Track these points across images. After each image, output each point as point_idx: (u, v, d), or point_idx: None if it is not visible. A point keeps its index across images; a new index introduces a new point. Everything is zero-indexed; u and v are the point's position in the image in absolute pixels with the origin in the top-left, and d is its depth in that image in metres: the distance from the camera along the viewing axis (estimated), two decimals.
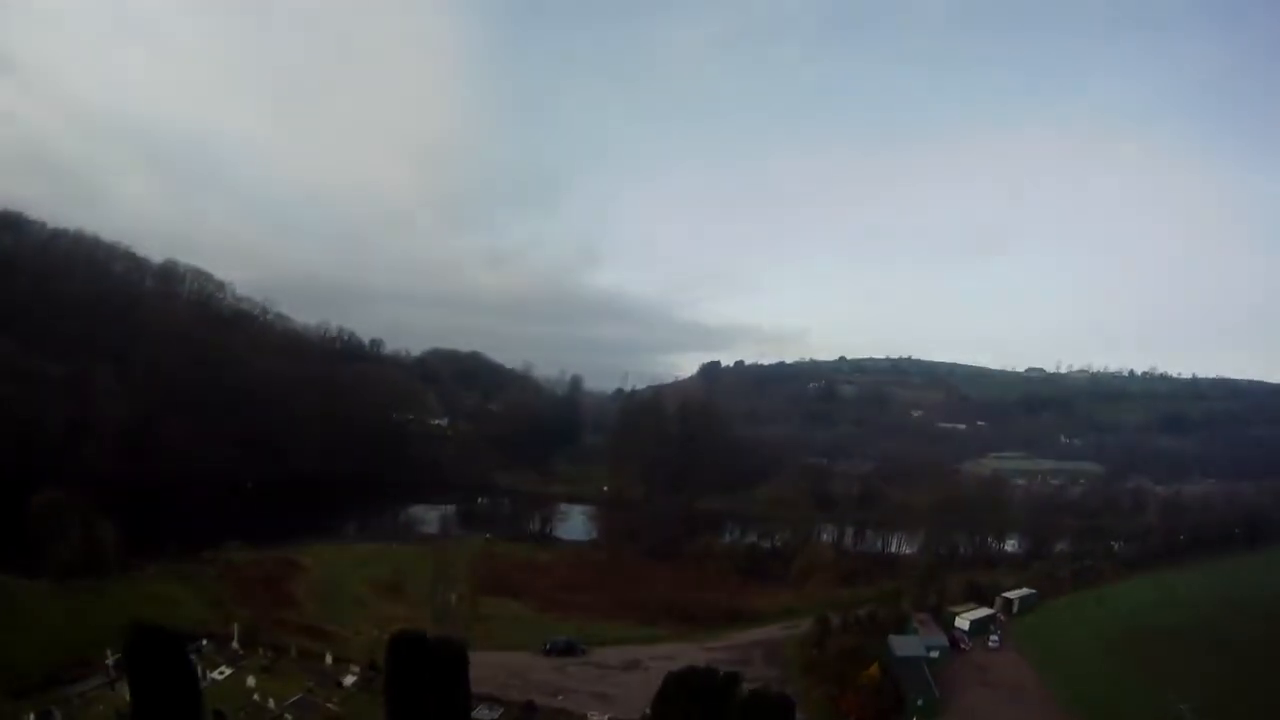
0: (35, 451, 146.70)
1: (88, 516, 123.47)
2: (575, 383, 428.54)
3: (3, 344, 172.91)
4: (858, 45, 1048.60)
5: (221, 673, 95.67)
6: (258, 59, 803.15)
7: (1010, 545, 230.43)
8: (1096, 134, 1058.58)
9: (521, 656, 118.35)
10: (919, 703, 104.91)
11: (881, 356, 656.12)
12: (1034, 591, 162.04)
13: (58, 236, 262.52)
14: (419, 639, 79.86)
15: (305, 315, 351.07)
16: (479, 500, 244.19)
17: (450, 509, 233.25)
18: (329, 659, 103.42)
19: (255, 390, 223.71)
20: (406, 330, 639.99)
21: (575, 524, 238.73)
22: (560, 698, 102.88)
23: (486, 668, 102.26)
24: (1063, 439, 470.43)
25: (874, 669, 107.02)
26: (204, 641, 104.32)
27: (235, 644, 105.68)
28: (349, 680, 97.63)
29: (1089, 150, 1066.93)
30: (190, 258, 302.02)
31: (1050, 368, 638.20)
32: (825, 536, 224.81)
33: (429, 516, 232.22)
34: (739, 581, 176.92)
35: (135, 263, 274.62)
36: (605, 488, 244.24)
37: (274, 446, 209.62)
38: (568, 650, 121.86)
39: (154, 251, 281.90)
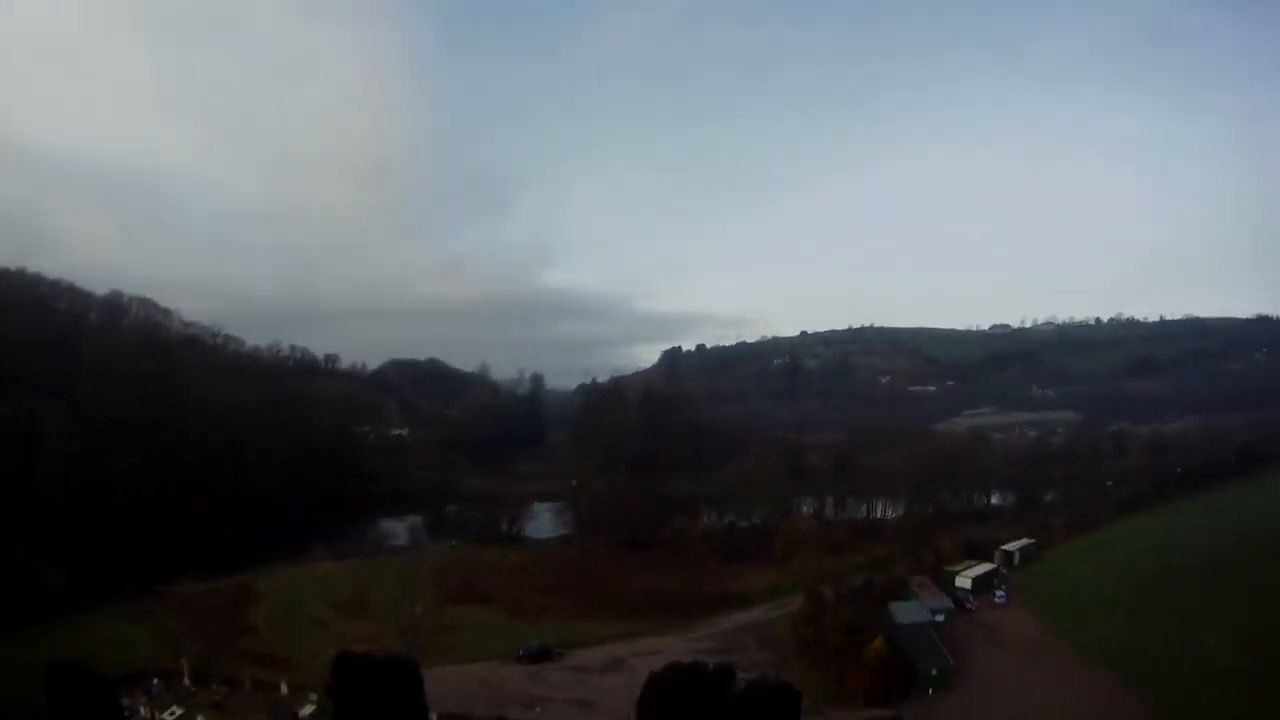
0: None
1: (34, 561, 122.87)
2: (536, 381, 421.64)
3: None
4: (793, 15, 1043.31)
5: (173, 713, 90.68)
6: (196, 86, 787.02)
7: (995, 500, 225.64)
8: (1043, 82, 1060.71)
9: (492, 667, 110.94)
10: (933, 672, 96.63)
11: (843, 327, 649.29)
12: (1033, 542, 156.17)
13: None
14: (365, 659, 74.93)
15: (263, 339, 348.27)
16: (448, 508, 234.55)
17: (418, 519, 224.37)
18: (285, 689, 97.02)
19: (207, 415, 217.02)
20: (366, 346, 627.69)
21: (545, 522, 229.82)
22: (537, 709, 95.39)
23: (453, 682, 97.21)
24: (1035, 391, 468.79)
25: (879, 641, 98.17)
26: (154, 681, 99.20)
27: (187, 681, 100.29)
28: (306, 710, 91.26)
29: (1036, 100, 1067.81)
30: (141, 291, 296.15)
31: (1015, 323, 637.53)
32: (804, 509, 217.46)
33: (397, 529, 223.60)
34: (720, 564, 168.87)
35: (79, 297, 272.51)
36: (573, 482, 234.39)
37: (230, 470, 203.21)
38: (542, 656, 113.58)
39: (102, 287, 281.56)
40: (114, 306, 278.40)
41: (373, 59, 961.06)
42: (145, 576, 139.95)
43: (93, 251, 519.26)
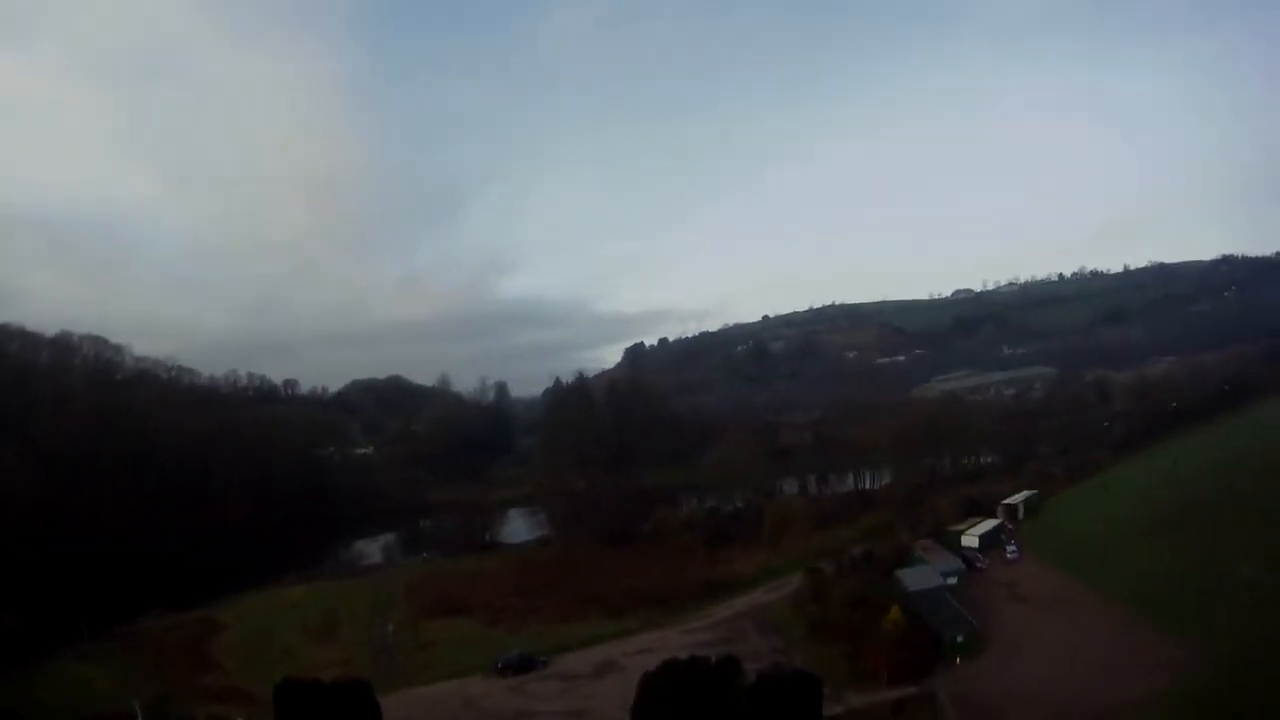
0: None
1: None
2: (501, 389, 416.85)
3: None
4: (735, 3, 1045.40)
5: None
6: (142, 126, 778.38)
7: (984, 459, 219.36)
8: (988, 45, 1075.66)
9: (472, 682, 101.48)
10: (958, 639, 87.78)
11: (805, 308, 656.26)
12: (1035, 492, 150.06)
13: None
14: (311, 684, 70.72)
15: (221, 371, 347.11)
16: (422, 522, 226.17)
17: (391, 536, 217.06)
18: None
19: (166, 447, 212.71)
20: (327, 370, 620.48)
21: (521, 526, 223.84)
22: None
23: (429, 704, 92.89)
24: (1005, 351, 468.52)
25: (895, 612, 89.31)
26: None
27: None
28: None
29: (981, 63, 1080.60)
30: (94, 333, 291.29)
31: (978, 286, 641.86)
32: (786, 489, 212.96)
33: (371, 548, 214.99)
34: (706, 551, 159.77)
35: (29, 340, 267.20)
36: (543, 482, 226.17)
37: (195, 502, 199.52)
38: (524, 666, 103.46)
39: (53, 330, 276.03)
40: (64, 346, 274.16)
41: (315, 82, 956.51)
42: (108, 616, 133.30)
43: (45, 299, 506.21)
